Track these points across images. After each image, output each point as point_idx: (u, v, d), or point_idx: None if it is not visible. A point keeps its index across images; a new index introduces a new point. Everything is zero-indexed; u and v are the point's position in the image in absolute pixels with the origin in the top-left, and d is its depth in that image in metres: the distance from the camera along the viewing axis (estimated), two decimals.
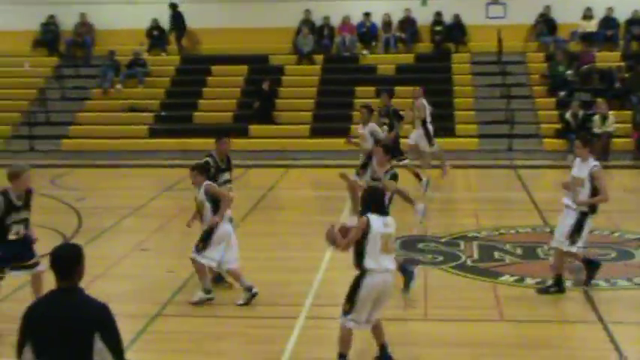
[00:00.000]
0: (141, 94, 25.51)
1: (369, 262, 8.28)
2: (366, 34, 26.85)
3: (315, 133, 23.83)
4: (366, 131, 15.71)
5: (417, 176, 17.65)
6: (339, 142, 23.05)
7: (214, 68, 26.24)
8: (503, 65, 25.51)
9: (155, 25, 27.17)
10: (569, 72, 24.93)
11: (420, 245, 13.75)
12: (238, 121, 24.37)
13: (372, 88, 24.85)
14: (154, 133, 24.10)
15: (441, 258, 12.98)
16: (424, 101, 19.01)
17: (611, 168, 21.27)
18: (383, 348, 8.90)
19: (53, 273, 5.26)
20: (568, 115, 22.81)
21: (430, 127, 18.94)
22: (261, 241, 14.44)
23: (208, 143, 22.87)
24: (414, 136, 19.07)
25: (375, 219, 8.34)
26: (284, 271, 12.60)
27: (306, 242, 14.23)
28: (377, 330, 8.86)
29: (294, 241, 14.44)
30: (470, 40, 26.82)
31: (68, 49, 27.23)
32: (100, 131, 24.19)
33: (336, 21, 27.02)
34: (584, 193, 10.93)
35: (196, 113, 24.78)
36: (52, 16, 27.51)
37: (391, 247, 8.43)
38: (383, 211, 8.54)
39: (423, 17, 26.86)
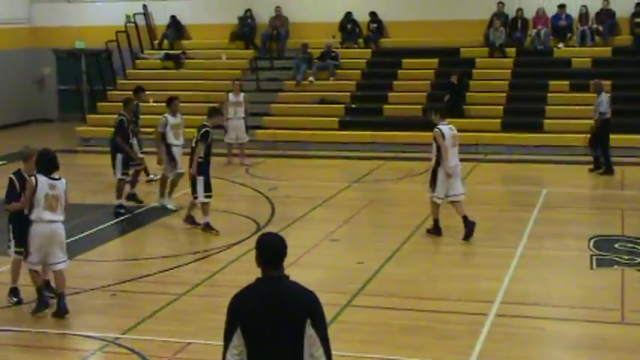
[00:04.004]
0: (332, 87, 25.86)
1: (35, 215, 10.07)
2: (561, 26, 26.11)
3: (506, 127, 23.39)
4: None
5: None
6: (531, 137, 22.64)
7: (405, 61, 26.24)
8: None
9: (348, 18, 27.45)
10: None
11: (617, 245, 13.27)
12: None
13: (567, 82, 24.22)
14: (344, 125, 24.38)
15: (638, 259, 12.47)
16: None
17: None
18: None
19: (261, 261, 5.30)
20: None
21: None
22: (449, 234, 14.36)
23: (398, 136, 23.18)
24: None
25: (42, 179, 10.08)
26: (473, 266, 12.50)
27: (496, 237, 14.05)
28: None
29: (482, 236, 14.22)
30: None
31: (264, 41, 27.93)
32: (292, 122, 24.69)
33: (529, 13, 26.40)
34: (433, 152, 13.88)
35: (386, 106, 24.87)
36: (248, 10, 28.29)
37: (55, 205, 10.12)
38: (52, 173, 10.19)
39: (623, 8, 25.82)
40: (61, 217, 10.30)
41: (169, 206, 15.85)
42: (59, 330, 9.96)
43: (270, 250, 5.31)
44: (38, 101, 30.47)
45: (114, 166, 16.14)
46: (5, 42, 29.32)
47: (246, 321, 5.19)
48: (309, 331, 5.20)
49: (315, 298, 5.31)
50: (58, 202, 10.15)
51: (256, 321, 5.18)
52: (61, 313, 10.28)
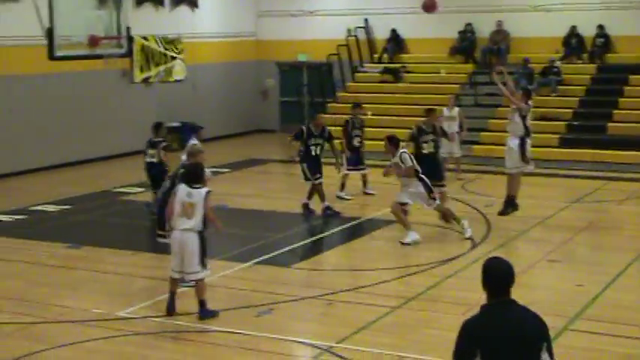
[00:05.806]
0: (553, 103, 25.23)
1: (172, 221, 10.73)
2: None
3: None
4: None
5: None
6: None
7: (633, 77, 25.19)
8: None
9: (573, 33, 26.69)
10: None
11: None
12: None
13: None
14: (565, 143, 23.72)
15: None
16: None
17: None
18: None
19: (488, 288, 5.32)
20: None
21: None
22: None
23: (622, 155, 22.26)
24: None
25: (182, 187, 10.70)
26: None
27: None
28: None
29: None
30: None
31: (483, 56, 27.65)
32: None
33: None
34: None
35: (610, 124, 23.99)
36: (469, 24, 28.08)
37: (190, 213, 10.51)
38: (192, 183, 10.70)
39: None
40: (193, 226, 10.53)
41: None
42: (277, 335, 10.24)
43: (500, 277, 5.34)
44: (261, 112, 31.63)
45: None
46: (234, 54, 30.63)
47: (487, 347, 5.18)
48: (544, 356, 5.20)
49: (545, 322, 5.32)
50: (193, 211, 10.51)
51: (497, 347, 5.17)
52: (202, 318, 10.77)
